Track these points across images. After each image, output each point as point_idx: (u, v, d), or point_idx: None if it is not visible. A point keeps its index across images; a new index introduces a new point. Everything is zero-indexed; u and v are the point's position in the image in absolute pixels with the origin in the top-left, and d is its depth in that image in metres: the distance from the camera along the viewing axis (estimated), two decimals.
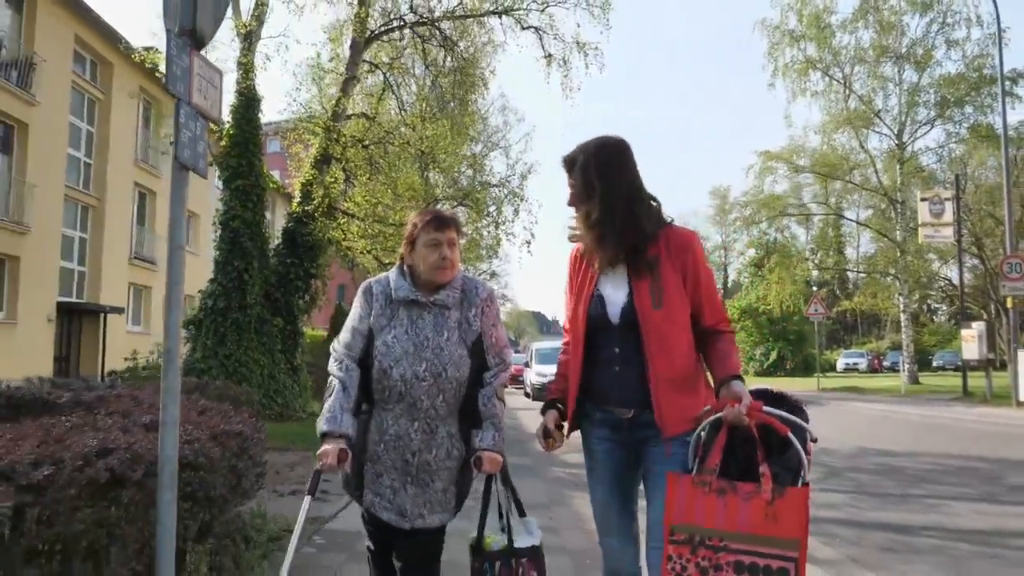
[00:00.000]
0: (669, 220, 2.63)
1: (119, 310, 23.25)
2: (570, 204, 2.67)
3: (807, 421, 2.34)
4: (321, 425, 2.63)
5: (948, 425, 15.10)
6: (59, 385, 6.74)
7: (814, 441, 2.34)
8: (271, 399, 12.06)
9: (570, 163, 2.62)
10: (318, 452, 2.58)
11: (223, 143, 12.43)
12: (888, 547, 5.48)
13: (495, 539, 2.70)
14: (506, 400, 2.90)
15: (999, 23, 21.76)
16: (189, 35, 3.02)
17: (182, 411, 4.37)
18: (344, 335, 2.82)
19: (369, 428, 2.74)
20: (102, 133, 23.09)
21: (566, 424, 2.69)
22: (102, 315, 22.37)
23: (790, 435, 2.25)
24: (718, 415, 2.36)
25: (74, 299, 21.96)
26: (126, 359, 13.25)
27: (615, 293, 2.58)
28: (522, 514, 2.77)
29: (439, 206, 16.02)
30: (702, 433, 2.44)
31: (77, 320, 22.11)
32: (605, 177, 2.53)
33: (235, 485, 4.39)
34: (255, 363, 12.20)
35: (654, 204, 2.61)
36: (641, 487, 2.65)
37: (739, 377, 2.44)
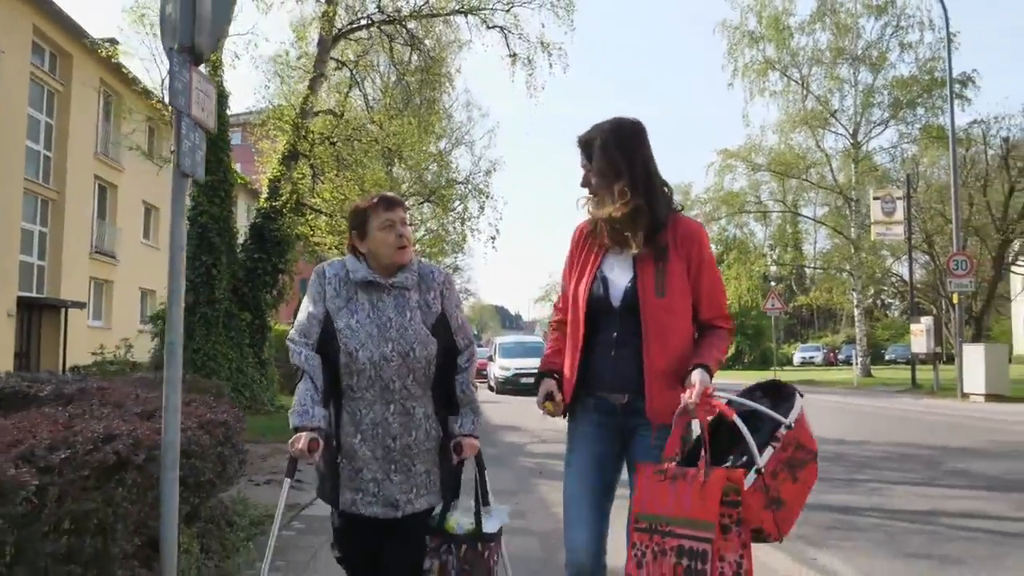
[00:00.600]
0: (678, 208, 2.62)
1: (80, 305, 23.05)
2: (585, 185, 2.63)
3: (794, 408, 2.29)
4: (293, 419, 2.60)
5: (895, 415, 15.74)
6: (37, 379, 6.88)
7: (789, 428, 2.24)
8: (239, 392, 12.20)
9: (587, 143, 2.59)
10: (290, 440, 2.57)
11: None
12: (833, 526, 5.87)
13: (457, 521, 2.72)
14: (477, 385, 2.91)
15: (948, 27, 22.48)
16: (188, 52, 3.25)
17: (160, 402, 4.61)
18: (299, 321, 2.79)
19: (341, 422, 2.70)
20: (61, 125, 22.82)
21: (559, 395, 2.62)
22: (63, 310, 22.17)
23: (736, 420, 2.22)
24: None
25: (34, 294, 21.73)
26: (93, 353, 13.27)
27: (619, 276, 2.54)
28: (486, 502, 2.78)
29: (406, 201, 16.07)
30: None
31: (37, 315, 21.89)
32: (626, 154, 2.51)
33: (221, 471, 4.64)
34: (223, 357, 12.34)
35: (667, 190, 2.60)
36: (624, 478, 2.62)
37: (703, 366, 2.38)
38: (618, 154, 2.50)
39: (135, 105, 22.62)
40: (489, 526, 2.71)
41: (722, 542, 2.13)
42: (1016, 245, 30.22)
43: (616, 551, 2.54)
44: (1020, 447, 10.45)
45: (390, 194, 2.87)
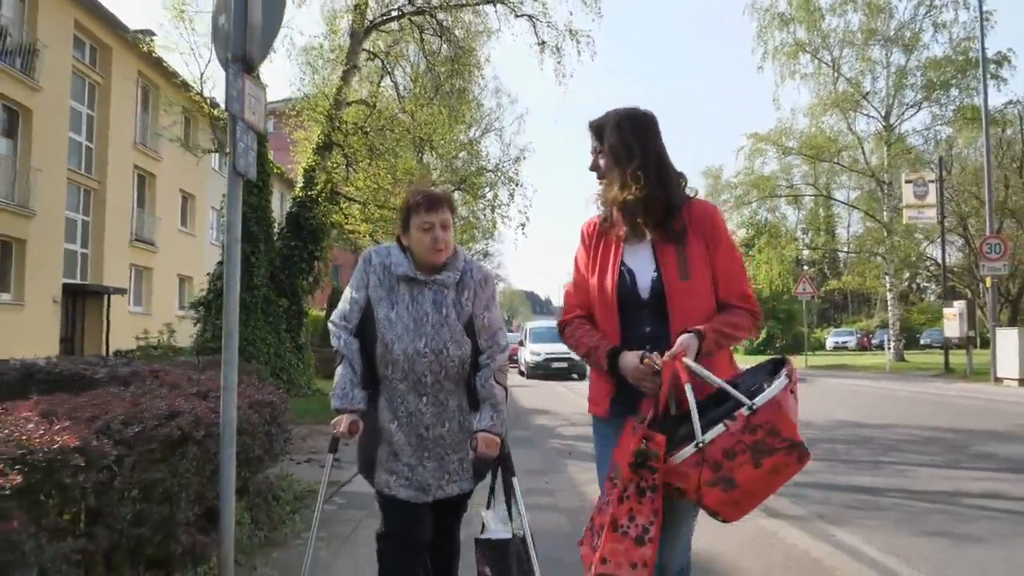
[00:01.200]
0: (692, 195, 2.57)
1: (122, 291, 23.71)
2: (593, 169, 2.59)
3: (770, 389, 2.16)
4: (334, 402, 2.73)
5: (926, 400, 15.75)
6: (90, 363, 7.28)
7: (751, 410, 2.14)
8: (277, 376, 12.59)
9: (599, 127, 2.56)
10: (332, 421, 2.73)
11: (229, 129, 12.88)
12: (853, 506, 6.06)
13: (485, 522, 2.86)
14: (507, 386, 2.90)
15: (981, 6, 22.16)
16: (241, 61, 3.53)
17: (216, 383, 4.94)
18: (342, 305, 2.86)
19: (379, 407, 2.79)
20: (102, 116, 23.42)
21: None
22: (105, 296, 22.82)
23: (687, 389, 2.19)
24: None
25: (78, 281, 22.40)
26: (137, 338, 13.74)
27: (642, 268, 2.48)
28: (509, 504, 2.83)
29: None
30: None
31: (81, 301, 22.56)
32: (641, 139, 2.47)
33: (268, 448, 4.96)
34: (262, 342, 12.74)
35: (682, 179, 2.55)
36: None
37: (696, 331, 2.31)
38: (632, 137, 2.46)
39: (172, 96, 23.14)
40: (490, 531, 2.79)
41: (635, 503, 2.17)
42: None
43: None
44: None
45: (436, 193, 2.87)
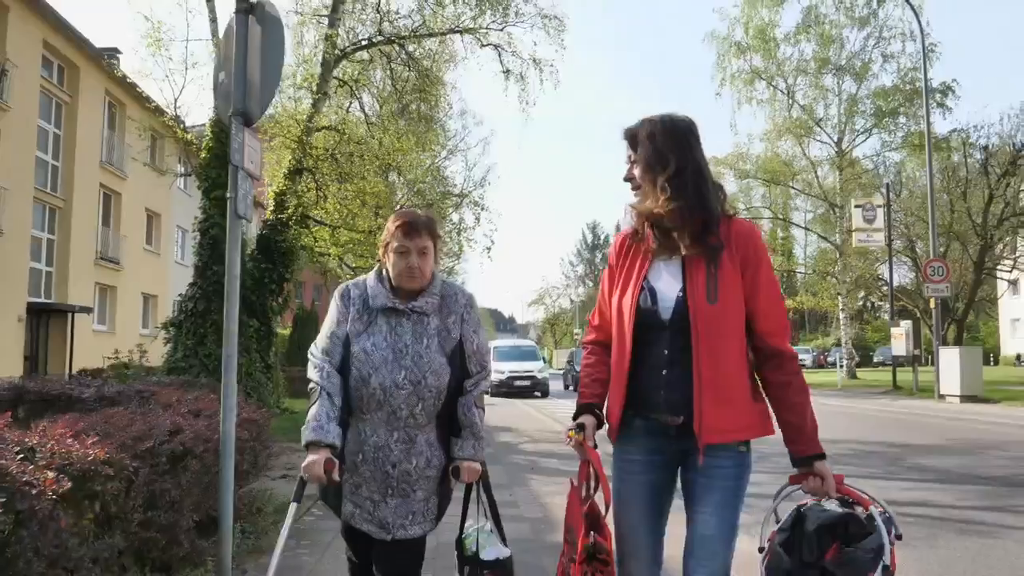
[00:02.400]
0: (732, 212, 2.41)
1: (87, 310, 23.73)
2: (627, 179, 2.44)
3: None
4: (307, 434, 2.56)
5: (871, 416, 16.49)
6: (80, 383, 7.60)
7: (898, 537, 2.19)
8: (248, 395, 12.86)
9: (633, 135, 2.40)
10: (304, 463, 2.53)
11: (203, 155, 13.22)
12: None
13: (471, 540, 2.76)
14: (485, 408, 2.87)
15: (924, 41, 23.37)
16: (241, 115, 3.98)
17: (204, 402, 5.36)
18: (322, 340, 2.76)
19: (347, 438, 2.69)
20: (69, 135, 23.54)
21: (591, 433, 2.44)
22: (70, 315, 22.83)
23: (872, 510, 2.19)
24: (796, 487, 2.32)
25: (43, 299, 22.39)
26: (107, 358, 13.94)
27: (668, 285, 2.33)
28: (498, 523, 2.80)
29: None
30: (776, 510, 2.41)
31: (45, 320, 22.55)
32: (677, 148, 2.32)
33: (253, 462, 5.38)
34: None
35: (720, 192, 2.39)
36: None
37: (823, 455, 2.27)
38: (667, 146, 2.31)
39: (140, 117, 23.36)
40: (487, 553, 2.73)
41: None
42: (1001, 248, 31.12)
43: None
44: (978, 445, 11.22)
45: (417, 218, 2.77)
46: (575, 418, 2.44)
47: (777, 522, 2.38)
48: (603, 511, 2.37)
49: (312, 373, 2.70)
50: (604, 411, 2.45)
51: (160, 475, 3.71)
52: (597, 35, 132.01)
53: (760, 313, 2.30)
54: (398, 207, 20.53)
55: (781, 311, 2.40)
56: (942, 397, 19.79)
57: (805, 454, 2.27)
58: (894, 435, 12.32)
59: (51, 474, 2.59)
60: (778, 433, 2.38)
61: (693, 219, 2.28)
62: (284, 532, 2.65)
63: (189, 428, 4.11)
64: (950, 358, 19.80)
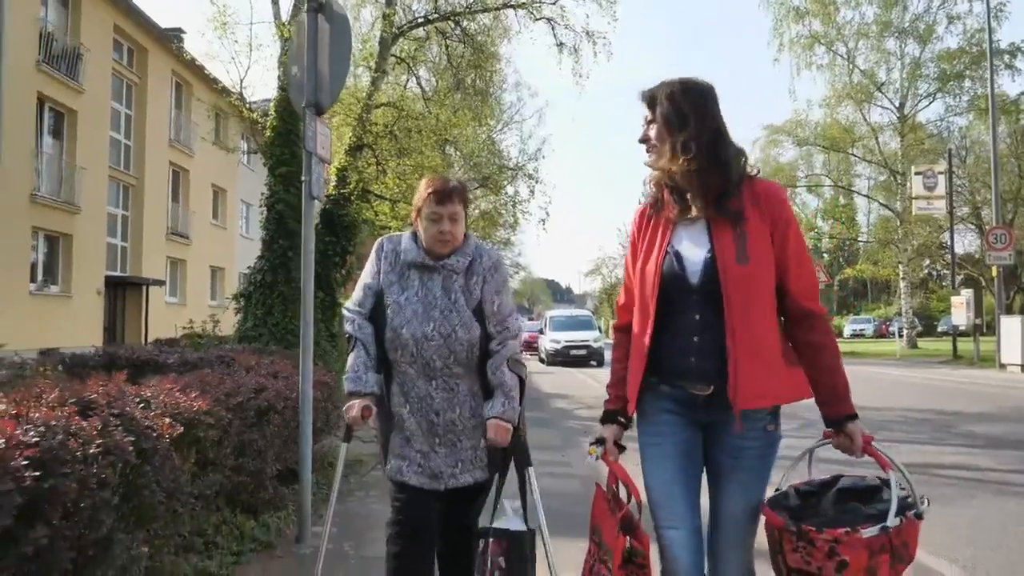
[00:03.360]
0: (755, 172, 2.35)
1: (160, 283, 24.84)
2: (643, 140, 2.36)
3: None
4: (348, 385, 2.72)
5: (928, 385, 16.44)
6: (163, 350, 8.25)
7: (919, 517, 2.15)
8: (314, 362, 13.53)
9: (651, 97, 2.34)
10: (344, 407, 2.73)
11: (268, 134, 13.79)
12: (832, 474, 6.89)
13: (500, 512, 2.81)
14: (526, 365, 2.89)
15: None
16: (314, 107, 4.40)
17: (279, 366, 5.87)
18: (356, 292, 2.89)
19: (392, 392, 2.78)
20: (139, 116, 24.50)
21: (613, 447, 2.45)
22: (144, 287, 23.94)
23: (890, 472, 2.15)
24: (827, 441, 2.30)
25: (119, 273, 23.52)
26: (183, 328, 14.73)
27: (694, 249, 2.27)
28: (524, 499, 2.82)
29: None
30: (808, 461, 2.43)
31: (121, 292, 23.70)
32: (696, 108, 2.26)
33: (325, 421, 5.88)
34: (299, 331, 13.68)
35: (742, 156, 2.33)
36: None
37: (855, 416, 2.24)
38: (686, 106, 2.25)
39: (203, 95, 24.19)
40: (500, 522, 2.75)
41: None
42: None
43: None
44: None
45: (448, 185, 2.83)
46: (601, 423, 2.46)
47: (809, 475, 2.39)
48: (638, 515, 2.35)
49: (347, 326, 2.84)
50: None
51: (248, 427, 4.20)
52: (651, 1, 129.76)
53: (792, 273, 2.25)
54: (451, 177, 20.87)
55: (811, 271, 2.34)
56: (1003, 366, 19.54)
57: (838, 415, 2.24)
58: (948, 403, 12.37)
59: (167, 420, 3.07)
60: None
61: (709, 181, 2.23)
62: (338, 473, 2.97)
63: (271, 387, 4.60)
64: (1011, 327, 19.49)
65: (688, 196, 2.29)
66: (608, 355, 27.57)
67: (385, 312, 2.76)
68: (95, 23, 21.18)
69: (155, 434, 2.97)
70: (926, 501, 2.22)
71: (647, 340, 2.30)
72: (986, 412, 11.25)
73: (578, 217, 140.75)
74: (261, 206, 14.33)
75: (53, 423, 2.46)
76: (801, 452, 2.44)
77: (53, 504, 2.30)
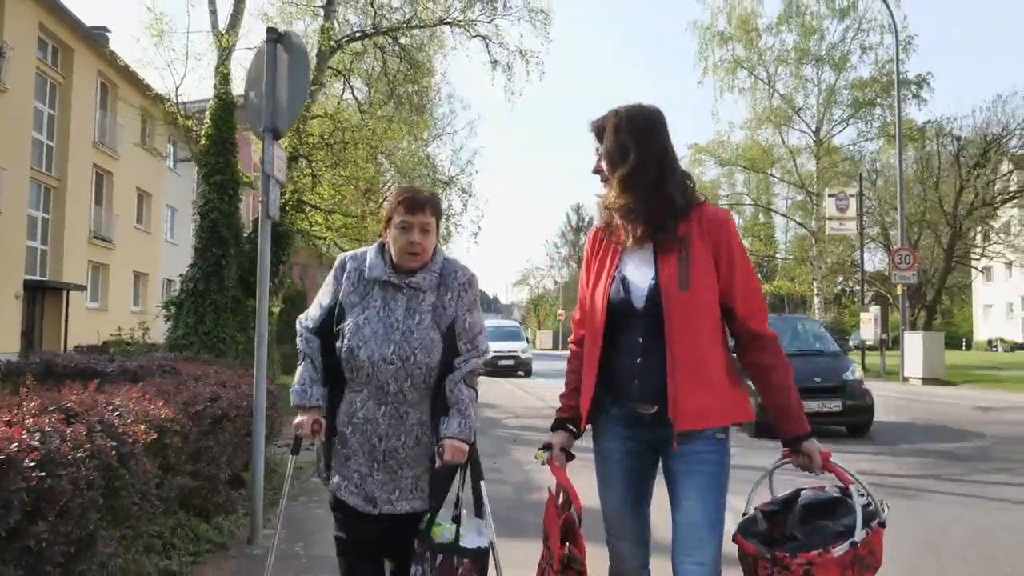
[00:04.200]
0: (702, 199, 2.43)
1: (81, 287, 24.25)
2: (596, 171, 2.47)
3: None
4: (293, 398, 2.69)
5: None
6: (100, 358, 8.29)
7: (882, 525, 2.23)
8: (246, 371, 13.57)
9: (599, 127, 2.43)
10: (294, 422, 2.67)
11: (202, 142, 13.81)
12: (748, 480, 7.43)
13: (444, 529, 2.64)
14: (477, 388, 2.79)
15: (897, 35, 24.19)
16: (272, 131, 4.67)
17: (226, 375, 6.08)
18: (311, 309, 2.83)
19: (339, 409, 2.71)
20: (63, 116, 23.95)
21: (559, 453, 2.56)
22: (65, 292, 23.35)
23: (851, 489, 2.24)
24: (787, 461, 2.38)
25: (38, 277, 22.90)
26: (112, 335, 14.56)
27: (640, 275, 2.35)
28: (479, 514, 2.72)
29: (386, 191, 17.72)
30: (769, 482, 2.49)
31: (40, 297, 23.07)
32: (638, 140, 2.33)
33: (270, 428, 6.09)
34: (231, 339, 13.69)
35: (688, 181, 2.42)
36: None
37: (810, 434, 2.33)
38: (630, 138, 2.34)
39: (130, 97, 23.83)
40: (468, 540, 2.63)
41: None
42: (972, 236, 32.17)
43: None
44: (931, 424, 12.13)
45: (421, 194, 2.77)
46: (552, 430, 2.58)
47: (771, 495, 2.45)
48: (578, 522, 2.48)
49: (298, 342, 2.79)
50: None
51: (204, 434, 4.43)
52: (581, 18, 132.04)
53: (737, 297, 2.33)
54: (385, 189, 21.26)
55: (758, 294, 2.42)
56: (906, 379, 20.75)
57: (793, 433, 2.33)
58: None
59: (142, 427, 3.31)
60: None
61: (653, 211, 2.32)
62: (288, 478, 2.94)
63: (224, 396, 4.83)
64: (913, 342, 20.78)
65: (629, 227, 2.38)
66: (535, 366, 28.28)
67: (343, 331, 2.68)
68: (19, 19, 20.69)
69: (131, 440, 3.21)
70: (886, 507, 2.29)
71: (596, 361, 2.40)
72: (888, 422, 12.06)
73: (506, 227, 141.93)
74: (194, 214, 14.33)
75: (47, 429, 2.70)
76: (762, 474, 2.50)
77: (51, 503, 2.55)
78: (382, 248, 2.78)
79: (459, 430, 2.63)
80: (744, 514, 2.41)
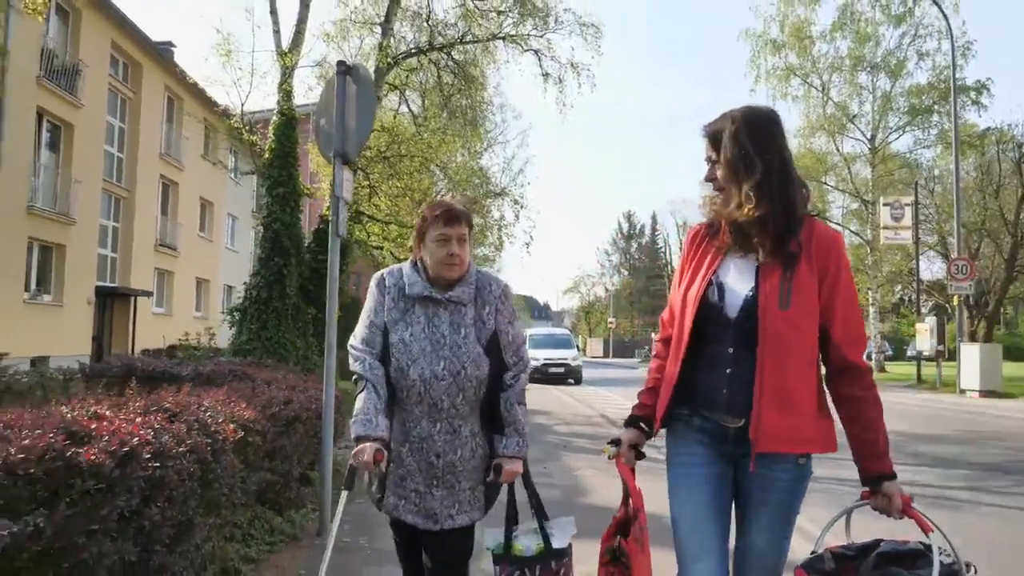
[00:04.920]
0: (813, 212, 2.35)
1: (148, 294, 25.28)
2: (709, 179, 2.37)
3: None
4: (356, 428, 2.58)
5: (888, 408, 17.13)
6: (175, 363, 8.83)
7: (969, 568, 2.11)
8: (307, 375, 14.13)
9: (714, 134, 2.32)
10: (354, 450, 2.57)
11: (266, 155, 14.44)
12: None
13: (525, 545, 2.68)
14: (526, 403, 2.84)
15: (952, 42, 23.87)
16: (341, 156, 5.07)
17: (293, 379, 6.51)
18: (361, 330, 2.77)
19: (392, 428, 2.68)
20: (132, 129, 25.02)
21: (628, 450, 2.49)
22: (133, 298, 24.36)
23: (932, 538, 2.12)
24: (865, 503, 2.27)
25: (108, 283, 23.94)
26: (180, 340, 15.27)
27: (738, 283, 2.26)
28: (545, 517, 2.74)
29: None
30: (846, 520, 2.36)
31: (110, 303, 24.10)
32: (759, 146, 2.23)
33: (337, 428, 6.51)
34: (292, 345, 14.27)
35: (804, 189, 2.31)
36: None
37: (893, 475, 2.22)
38: (751, 145, 2.22)
39: (194, 109, 24.79)
40: (558, 542, 2.68)
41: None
42: None
43: None
44: (979, 435, 12.09)
45: (456, 207, 2.80)
46: (625, 425, 2.52)
47: (848, 538, 2.32)
48: (636, 522, 2.42)
49: (355, 365, 2.71)
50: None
51: (279, 434, 4.84)
52: (633, 26, 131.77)
53: (836, 323, 2.23)
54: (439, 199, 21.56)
55: (858, 322, 2.31)
56: (963, 392, 20.49)
57: (876, 472, 2.22)
58: (903, 425, 13.03)
59: (232, 426, 3.72)
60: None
61: (775, 224, 2.21)
62: (338, 516, 2.72)
63: (296, 399, 5.25)
64: (971, 354, 20.51)
65: (754, 240, 2.25)
66: (585, 374, 28.43)
67: (388, 350, 2.68)
68: (93, 38, 21.73)
69: (222, 437, 3.61)
70: (973, 569, 2.14)
71: (678, 366, 2.31)
72: (937, 434, 12.06)
73: (558, 234, 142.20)
74: (257, 225, 14.93)
75: (157, 427, 3.11)
76: (838, 512, 2.37)
77: (161, 489, 2.95)
78: (415, 264, 2.79)
79: (517, 449, 2.70)
80: (813, 552, 2.27)
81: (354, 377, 2.70)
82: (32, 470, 2.32)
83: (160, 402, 3.64)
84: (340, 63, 5.12)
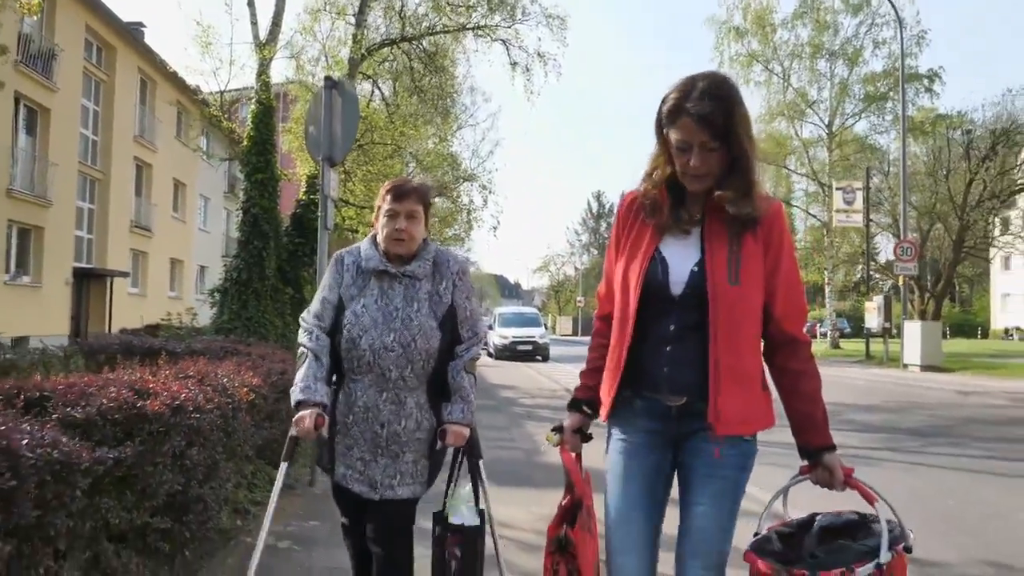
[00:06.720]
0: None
1: (124, 274, 25.75)
2: (695, 166, 2.10)
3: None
4: (296, 395, 2.67)
5: (834, 381, 18.35)
6: (169, 339, 9.57)
7: (907, 550, 2.10)
8: (290, 351, 14.85)
9: (711, 118, 2.03)
10: (294, 418, 2.64)
11: (245, 143, 15.07)
12: None
13: (451, 508, 2.79)
14: (476, 374, 2.87)
15: (901, 28, 24.96)
16: (328, 160, 5.86)
17: (282, 355, 7.29)
18: (314, 305, 2.86)
19: (338, 400, 2.77)
20: (107, 112, 25.37)
21: (572, 436, 2.42)
22: (109, 279, 24.83)
23: (876, 508, 2.13)
24: (804, 478, 2.23)
25: (85, 264, 24.39)
26: (162, 320, 15.91)
27: (681, 258, 2.16)
28: (476, 491, 2.83)
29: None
30: (783, 500, 2.33)
31: (87, 283, 24.56)
32: (749, 133, 2.11)
33: None
34: (271, 324, 14.98)
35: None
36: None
37: (832, 447, 2.18)
38: (726, 105, 2.05)
39: (167, 92, 25.20)
40: (455, 518, 2.75)
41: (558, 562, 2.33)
42: (984, 227, 32.88)
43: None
44: (909, 404, 13.21)
45: (407, 183, 2.85)
46: (568, 409, 2.44)
47: (786, 515, 2.31)
48: (583, 510, 2.35)
49: (302, 337, 2.78)
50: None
51: (276, 399, 5.66)
52: (597, 11, 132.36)
53: (779, 297, 2.16)
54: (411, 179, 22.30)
55: (800, 295, 2.25)
56: (905, 366, 21.74)
57: (815, 445, 2.18)
58: (843, 396, 14.06)
59: (245, 389, 4.54)
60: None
61: (746, 196, 2.09)
62: (276, 488, 2.83)
63: (289, 371, 6.06)
64: (912, 331, 21.79)
65: (700, 204, 2.17)
66: (554, 351, 29.41)
67: (343, 321, 2.74)
68: (68, 23, 22.06)
69: (237, 398, 4.43)
70: (912, 534, 2.16)
71: (625, 351, 2.19)
72: (871, 404, 13.17)
73: (528, 214, 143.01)
74: (237, 209, 15.60)
75: (191, 388, 3.92)
76: (776, 492, 2.35)
77: (199, 435, 3.77)
78: (374, 240, 2.85)
79: (462, 415, 2.76)
80: (756, 534, 2.24)
81: (300, 350, 2.80)
82: (116, 415, 3.14)
83: (185, 371, 4.45)
84: (327, 78, 5.89)
